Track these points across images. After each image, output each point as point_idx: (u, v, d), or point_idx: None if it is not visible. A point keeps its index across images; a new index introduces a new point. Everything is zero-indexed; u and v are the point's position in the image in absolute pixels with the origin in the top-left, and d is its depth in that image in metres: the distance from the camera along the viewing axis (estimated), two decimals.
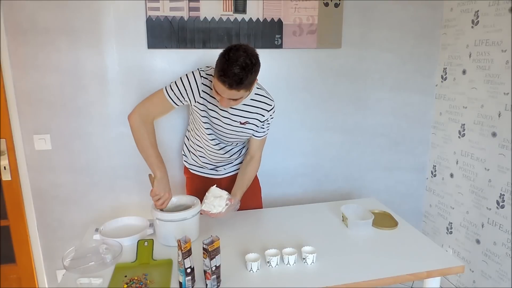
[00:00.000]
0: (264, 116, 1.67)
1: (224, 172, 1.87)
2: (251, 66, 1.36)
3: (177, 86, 1.57)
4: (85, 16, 1.89)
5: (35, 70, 1.91)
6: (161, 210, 1.54)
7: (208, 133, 1.67)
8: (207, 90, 1.56)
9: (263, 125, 1.71)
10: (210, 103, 1.59)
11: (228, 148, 1.77)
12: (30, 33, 1.86)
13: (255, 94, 1.63)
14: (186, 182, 1.97)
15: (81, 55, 1.94)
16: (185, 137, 1.92)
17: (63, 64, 1.93)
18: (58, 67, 1.93)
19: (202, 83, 1.55)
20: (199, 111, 1.61)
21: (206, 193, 1.63)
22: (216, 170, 1.86)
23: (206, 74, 1.56)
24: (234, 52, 1.35)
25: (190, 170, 1.91)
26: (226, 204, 1.61)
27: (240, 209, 1.92)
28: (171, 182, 2.16)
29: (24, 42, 1.87)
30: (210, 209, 1.59)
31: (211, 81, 1.54)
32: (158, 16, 1.95)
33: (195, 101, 1.57)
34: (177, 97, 1.57)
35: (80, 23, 1.90)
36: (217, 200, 1.60)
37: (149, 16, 1.95)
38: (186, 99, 1.58)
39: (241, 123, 1.64)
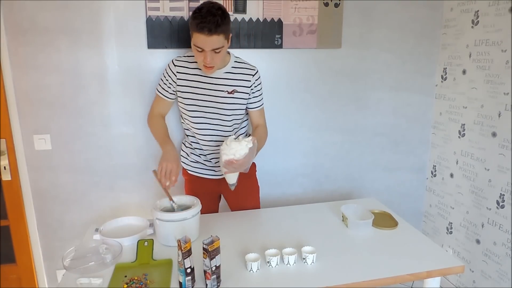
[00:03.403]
0: (250, 81, 1.72)
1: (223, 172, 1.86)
2: (222, 11, 1.52)
3: (161, 80, 1.78)
4: (85, 16, 1.89)
5: (35, 70, 1.91)
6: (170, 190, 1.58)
7: (197, 121, 1.72)
8: (183, 70, 1.71)
9: (253, 92, 1.75)
10: (192, 81, 1.70)
11: (219, 139, 1.76)
12: (30, 33, 1.86)
13: (235, 62, 1.72)
14: (185, 184, 1.96)
15: (81, 55, 1.94)
16: (185, 136, 1.92)
17: (63, 64, 1.93)
18: (58, 67, 1.93)
19: (176, 65, 1.71)
20: (182, 94, 1.71)
21: (222, 146, 1.54)
22: (214, 170, 1.85)
23: (176, 59, 1.73)
24: (202, 6, 1.52)
25: (188, 171, 1.90)
26: (247, 144, 1.50)
27: (236, 208, 1.92)
28: None
29: (24, 42, 1.87)
30: (232, 155, 1.49)
31: (186, 61, 1.71)
32: (158, 16, 1.95)
33: (176, 85, 1.72)
34: (163, 89, 1.76)
35: (80, 23, 1.90)
36: (234, 143, 1.50)
37: (149, 16, 1.95)
38: (170, 86, 1.74)
39: (228, 92, 1.69)
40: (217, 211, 2.00)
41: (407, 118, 2.47)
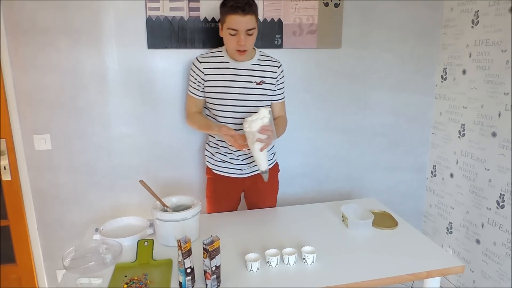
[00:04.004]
0: (276, 72, 1.80)
1: (249, 171, 1.87)
2: None
3: (190, 80, 1.82)
4: (85, 16, 1.89)
5: (35, 70, 1.91)
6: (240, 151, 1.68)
7: (227, 115, 1.75)
8: (210, 65, 1.75)
9: (278, 83, 1.82)
10: (220, 74, 1.74)
11: None
12: (30, 33, 1.86)
13: (260, 55, 1.80)
14: (207, 182, 1.96)
15: (81, 55, 1.94)
16: (208, 136, 1.92)
17: (63, 64, 1.93)
18: (58, 67, 1.93)
19: (201, 62, 1.75)
20: (211, 89, 1.75)
21: (244, 125, 1.60)
22: (240, 169, 1.86)
23: (201, 56, 1.78)
24: None
25: (213, 170, 1.90)
26: (263, 109, 1.59)
27: (254, 207, 1.94)
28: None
29: (24, 42, 1.87)
30: (260, 120, 1.56)
31: (211, 56, 1.77)
32: (158, 16, 1.95)
33: (204, 81, 1.75)
34: (194, 88, 1.80)
35: (80, 23, 1.90)
36: (254, 115, 1.59)
37: (149, 16, 1.95)
38: (200, 84, 1.78)
39: (257, 83, 1.75)
40: (236, 210, 1.99)
41: (407, 118, 2.47)
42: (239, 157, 1.82)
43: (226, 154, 1.83)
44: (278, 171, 2.01)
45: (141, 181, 1.58)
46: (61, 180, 2.07)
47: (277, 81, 1.81)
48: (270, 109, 1.62)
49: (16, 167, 1.99)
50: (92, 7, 1.89)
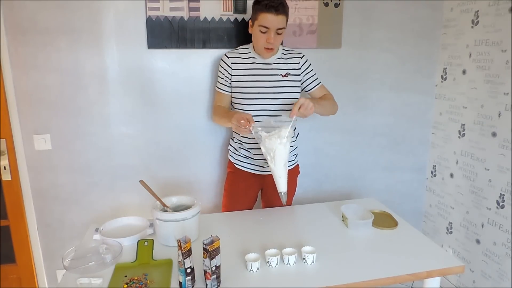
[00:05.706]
0: (299, 63, 1.84)
1: (270, 168, 1.86)
2: None
3: (218, 77, 1.87)
4: (85, 16, 1.89)
5: (35, 70, 1.91)
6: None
7: (254, 108, 1.77)
8: (237, 60, 1.81)
9: (306, 73, 1.86)
10: (247, 69, 1.80)
11: None
12: (30, 33, 1.86)
13: (283, 49, 1.85)
14: (227, 176, 1.98)
15: (81, 55, 1.94)
16: (233, 132, 1.95)
17: (63, 64, 1.93)
18: (58, 67, 1.93)
19: (229, 57, 1.81)
20: (239, 83, 1.80)
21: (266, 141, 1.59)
22: (262, 166, 1.87)
23: (229, 53, 1.84)
24: None
25: (234, 164, 1.93)
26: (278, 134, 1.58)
27: (271, 205, 1.94)
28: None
29: (24, 42, 1.87)
30: (274, 142, 1.57)
31: (238, 52, 1.83)
32: (158, 16, 1.95)
33: (231, 75, 1.81)
34: (222, 84, 1.85)
35: (80, 23, 1.90)
36: (271, 138, 1.58)
37: (149, 16, 1.95)
38: (227, 80, 1.82)
39: (282, 76, 1.80)
40: (251, 208, 1.99)
41: (407, 118, 2.47)
42: (262, 154, 1.82)
43: (249, 150, 1.86)
44: (299, 173, 2.04)
45: (141, 181, 1.58)
46: (61, 180, 2.07)
47: (302, 72, 1.85)
48: (289, 129, 1.60)
49: (16, 167, 1.99)
50: (92, 7, 1.89)
